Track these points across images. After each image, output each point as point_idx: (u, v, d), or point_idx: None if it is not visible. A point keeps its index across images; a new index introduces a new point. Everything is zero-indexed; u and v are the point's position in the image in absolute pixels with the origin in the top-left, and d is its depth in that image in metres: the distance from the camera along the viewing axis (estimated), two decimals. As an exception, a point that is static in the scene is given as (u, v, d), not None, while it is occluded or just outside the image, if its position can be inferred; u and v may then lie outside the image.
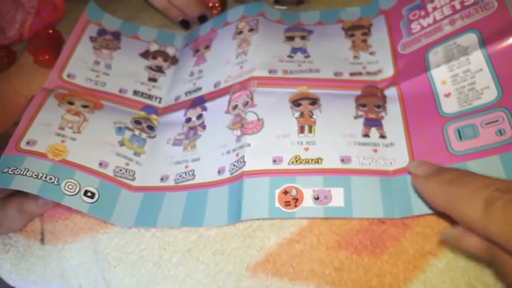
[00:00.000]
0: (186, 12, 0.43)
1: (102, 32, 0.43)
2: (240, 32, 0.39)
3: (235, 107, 0.35)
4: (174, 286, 0.29)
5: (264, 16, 0.40)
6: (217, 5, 0.45)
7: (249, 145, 0.31)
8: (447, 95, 0.30)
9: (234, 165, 0.31)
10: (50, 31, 0.45)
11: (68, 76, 0.39)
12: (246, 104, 0.34)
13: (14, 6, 0.45)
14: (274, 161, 0.31)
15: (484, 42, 0.30)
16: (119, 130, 0.36)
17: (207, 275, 0.29)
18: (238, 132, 0.33)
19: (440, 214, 0.27)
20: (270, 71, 0.36)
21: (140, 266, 0.30)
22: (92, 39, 0.42)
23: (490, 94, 0.28)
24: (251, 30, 0.39)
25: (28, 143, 0.33)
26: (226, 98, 0.36)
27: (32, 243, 0.33)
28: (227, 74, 0.37)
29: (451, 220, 0.27)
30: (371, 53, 0.37)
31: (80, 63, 0.40)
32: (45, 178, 0.31)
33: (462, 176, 0.23)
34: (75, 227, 0.33)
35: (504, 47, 0.29)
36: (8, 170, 0.30)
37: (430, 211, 0.27)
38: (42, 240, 0.33)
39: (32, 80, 0.43)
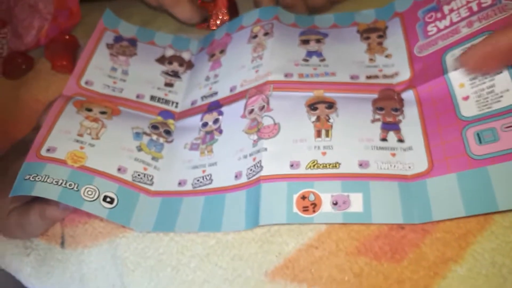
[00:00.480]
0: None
1: (118, 39, 0.43)
2: (255, 36, 0.39)
3: (251, 111, 0.34)
4: (192, 290, 0.29)
5: (279, 19, 0.40)
6: (220, 17, 0.45)
7: (266, 149, 0.31)
8: (466, 98, 0.29)
9: (251, 170, 0.31)
10: (67, 37, 0.45)
11: (86, 83, 0.39)
12: (262, 108, 0.34)
13: (31, 13, 0.45)
14: (292, 165, 0.30)
15: None
16: (137, 135, 0.36)
17: (225, 280, 0.29)
18: (255, 137, 0.33)
19: (461, 219, 0.27)
20: (286, 75, 0.35)
21: (159, 270, 0.30)
22: (109, 46, 0.42)
23: (510, 97, 0.28)
24: (266, 34, 0.39)
25: (48, 150, 0.33)
26: (242, 103, 0.35)
27: (53, 246, 0.33)
28: (243, 79, 0.37)
29: (471, 226, 0.27)
30: (387, 56, 0.36)
31: (98, 70, 0.40)
32: (65, 184, 0.31)
33: None
34: (94, 232, 0.33)
35: None
36: (30, 177, 0.31)
37: (450, 216, 0.26)
38: (62, 244, 0.33)
39: (49, 86, 0.44)
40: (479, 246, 0.26)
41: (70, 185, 0.31)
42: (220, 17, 0.45)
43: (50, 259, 0.33)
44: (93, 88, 0.39)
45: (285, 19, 0.40)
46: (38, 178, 0.31)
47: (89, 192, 0.32)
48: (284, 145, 0.31)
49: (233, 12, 0.45)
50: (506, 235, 0.26)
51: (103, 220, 0.33)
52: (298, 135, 0.32)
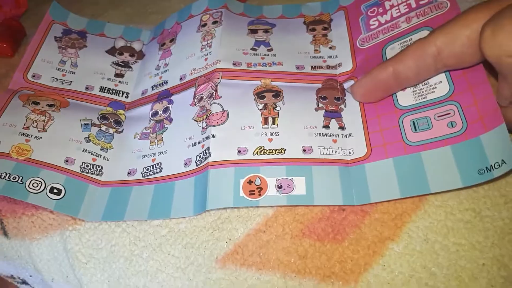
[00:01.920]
0: None
1: (67, 31, 0.42)
2: (204, 25, 0.39)
3: (201, 99, 0.34)
4: (145, 280, 0.29)
5: (228, 8, 0.39)
6: None
7: (214, 136, 0.31)
8: (403, 89, 0.30)
9: (200, 157, 0.31)
10: (13, 23, 0.43)
11: (33, 76, 0.38)
12: (211, 96, 0.33)
13: (-26, 0, 0.43)
14: (239, 151, 0.30)
15: None
16: (86, 126, 0.35)
17: (178, 268, 0.28)
18: (204, 124, 0.32)
19: (397, 200, 0.27)
20: (235, 64, 0.35)
21: (111, 261, 0.30)
22: (57, 39, 0.41)
23: (443, 88, 0.29)
24: (215, 22, 0.38)
25: None
26: (191, 91, 0.35)
27: None
28: (192, 67, 0.36)
29: (406, 206, 0.27)
30: (331, 48, 0.36)
31: (45, 63, 0.39)
32: (8, 177, 0.30)
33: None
34: (44, 224, 0.32)
35: None
36: None
37: (386, 198, 0.27)
38: (5, 234, 0.32)
39: None
40: (413, 225, 0.27)
41: (14, 178, 0.30)
42: None
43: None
44: (41, 81, 0.38)
45: (234, 8, 0.40)
46: None
47: (35, 185, 0.30)
48: (232, 132, 0.31)
49: None
50: (437, 214, 0.27)
51: (53, 212, 0.32)
52: (246, 122, 0.31)
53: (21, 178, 0.30)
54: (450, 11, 0.31)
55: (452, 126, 0.27)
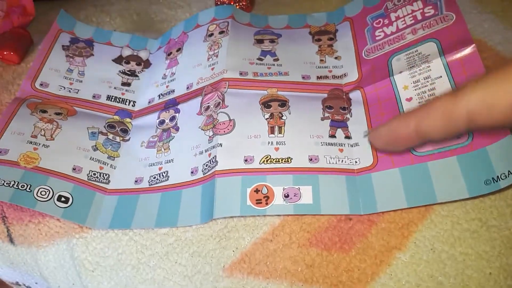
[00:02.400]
0: None
1: (74, 40, 0.42)
2: (211, 35, 0.39)
3: (207, 108, 0.34)
4: (152, 288, 0.29)
5: (234, 19, 0.39)
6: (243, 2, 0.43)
7: (221, 145, 0.31)
8: (409, 100, 0.30)
9: (206, 165, 0.31)
10: (20, 30, 0.43)
11: (41, 85, 0.38)
12: (217, 105, 0.33)
13: (-19, 9, 0.43)
14: (246, 160, 0.30)
15: (443, 51, 0.30)
16: (93, 135, 0.35)
17: (185, 276, 0.28)
18: (210, 133, 0.32)
19: (404, 209, 0.27)
20: (241, 73, 0.35)
21: (118, 269, 0.30)
22: (65, 48, 0.41)
23: None
24: (221, 32, 0.38)
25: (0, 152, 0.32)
26: (198, 100, 0.35)
27: (2, 243, 0.32)
28: (199, 76, 0.37)
29: (413, 215, 0.27)
30: (337, 58, 0.37)
31: (53, 72, 0.39)
32: (17, 186, 0.30)
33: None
34: (50, 231, 0.32)
35: (461, 57, 0.30)
36: None
37: (393, 208, 0.27)
38: (11, 241, 0.32)
39: None
40: (420, 234, 0.27)
41: (22, 186, 0.30)
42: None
43: (4, 253, 0.32)
44: (49, 90, 0.38)
45: (240, 19, 0.40)
46: None
47: (43, 193, 0.30)
48: (239, 141, 0.31)
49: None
50: (444, 223, 0.27)
51: (60, 219, 0.32)
52: (252, 131, 0.32)
53: (29, 186, 0.30)
54: (455, 23, 0.31)
55: (458, 138, 0.27)
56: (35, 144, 0.33)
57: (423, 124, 0.23)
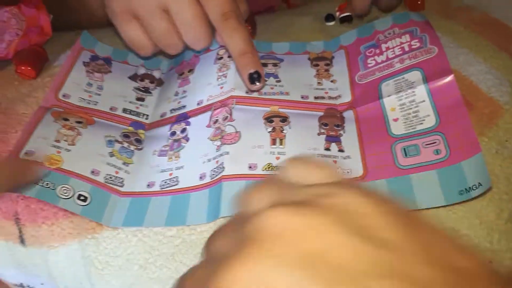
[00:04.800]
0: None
1: (94, 58, 0.45)
2: (221, 58, 0.42)
3: (216, 121, 0.37)
4: (158, 287, 0.30)
5: None
6: (249, 27, 0.46)
7: (227, 153, 0.34)
8: (396, 120, 0.34)
9: (214, 171, 0.34)
10: (37, 48, 0.46)
11: (64, 96, 0.41)
12: (225, 118, 0.37)
13: (2, 28, 0.46)
14: (250, 167, 0.33)
15: (426, 79, 0.34)
16: (110, 142, 0.38)
17: (190, 275, 0.30)
18: (218, 143, 0.35)
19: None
20: (247, 92, 0.39)
21: (126, 269, 0.31)
22: (85, 64, 0.44)
23: (430, 121, 0.33)
24: (230, 56, 0.42)
25: (26, 153, 0.35)
26: (208, 114, 0.38)
27: (11, 244, 0.33)
28: (209, 94, 0.40)
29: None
30: (332, 81, 0.40)
31: (75, 85, 0.42)
32: (42, 183, 0.33)
33: None
34: (63, 232, 0.33)
35: (442, 84, 0.33)
36: None
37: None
38: (22, 242, 0.33)
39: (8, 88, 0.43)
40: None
41: (46, 184, 0.33)
42: None
43: (13, 254, 0.33)
44: (70, 100, 0.41)
45: None
46: None
47: (65, 191, 0.33)
48: (244, 150, 0.34)
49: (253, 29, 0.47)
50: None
51: (72, 221, 0.33)
52: (256, 142, 0.35)
53: (53, 184, 0.33)
54: (437, 56, 0.35)
55: (438, 153, 0.31)
56: (58, 148, 0.36)
57: None
